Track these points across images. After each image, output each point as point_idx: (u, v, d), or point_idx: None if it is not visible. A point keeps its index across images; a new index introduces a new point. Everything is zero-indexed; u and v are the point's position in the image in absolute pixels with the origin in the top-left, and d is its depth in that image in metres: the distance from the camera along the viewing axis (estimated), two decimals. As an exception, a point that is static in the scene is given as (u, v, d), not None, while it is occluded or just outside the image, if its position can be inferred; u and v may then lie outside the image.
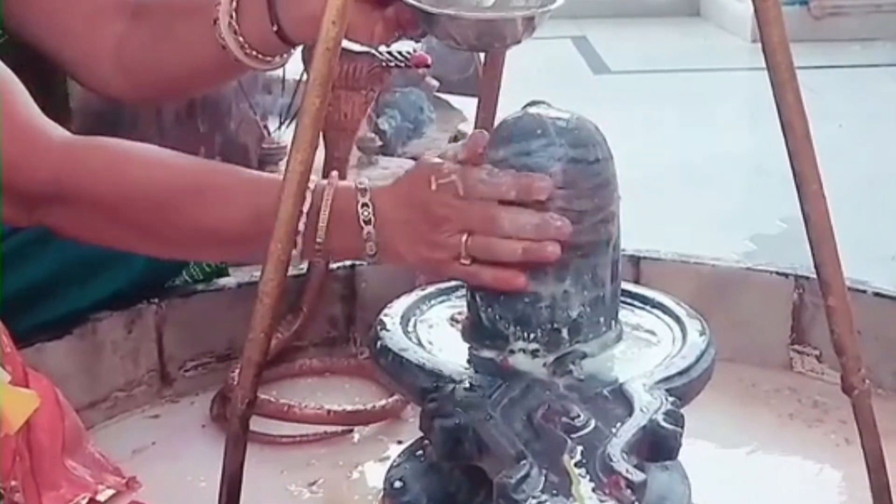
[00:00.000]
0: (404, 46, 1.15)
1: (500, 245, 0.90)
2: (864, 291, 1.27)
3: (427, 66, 1.17)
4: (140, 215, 0.97)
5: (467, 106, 2.24)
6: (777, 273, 1.34)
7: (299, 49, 1.11)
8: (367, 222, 0.93)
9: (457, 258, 0.91)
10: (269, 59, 1.08)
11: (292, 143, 0.87)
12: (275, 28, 1.05)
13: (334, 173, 0.98)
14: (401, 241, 0.93)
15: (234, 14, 1.06)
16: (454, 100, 2.48)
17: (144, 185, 0.96)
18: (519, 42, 0.98)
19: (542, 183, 0.89)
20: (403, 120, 2.27)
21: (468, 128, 2.09)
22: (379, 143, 2.17)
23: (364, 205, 0.93)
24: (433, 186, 0.92)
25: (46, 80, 1.23)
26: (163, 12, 1.12)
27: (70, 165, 0.93)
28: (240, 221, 0.96)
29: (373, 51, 1.13)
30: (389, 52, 1.14)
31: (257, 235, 0.92)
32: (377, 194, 0.94)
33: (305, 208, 0.92)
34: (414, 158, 2.16)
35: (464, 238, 0.91)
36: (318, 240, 0.94)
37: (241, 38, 1.06)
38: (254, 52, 1.07)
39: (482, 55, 1.16)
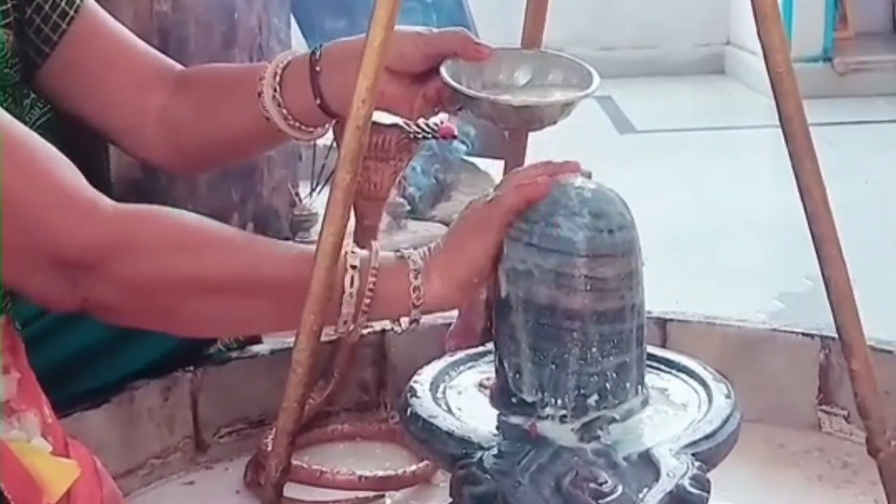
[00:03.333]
0: (433, 118, 1.18)
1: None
2: (892, 352, 1.28)
3: (454, 137, 1.20)
4: (184, 283, 0.94)
5: (494, 168, 2.27)
6: (803, 334, 1.35)
7: None
8: (416, 306, 0.94)
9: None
10: (311, 129, 1.12)
11: (324, 216, 0.90)
12: (318, 101, 1.08)
13: (375, 248, 0.96)
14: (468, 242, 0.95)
15: (277, 88, 1.09)
16: (481, 162, 2.51)
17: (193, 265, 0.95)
18: (555, 123, 1.00)
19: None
20: (431, 184, 2.30)
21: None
22: (407, 207, 2.20)
23: (416, 288, 0.94)
24: (467, 210, 0.97)
25: (87, 152, 1.26)
26: (205, 84, 1.15)
27: (119, 233, 0.93)
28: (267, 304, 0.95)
29: (401, 123, 1.16)
30: (417, 124, 1.16)
31: (290, 305, 0.93)
32: (429, 270, 0.95)
33: (355, 288, 0.93)
34: (442, 222, 2.19)
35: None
36: (364, 320, 0.94)
37: (284, 111, 1.09)
38: (297, 124, 1.10)
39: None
